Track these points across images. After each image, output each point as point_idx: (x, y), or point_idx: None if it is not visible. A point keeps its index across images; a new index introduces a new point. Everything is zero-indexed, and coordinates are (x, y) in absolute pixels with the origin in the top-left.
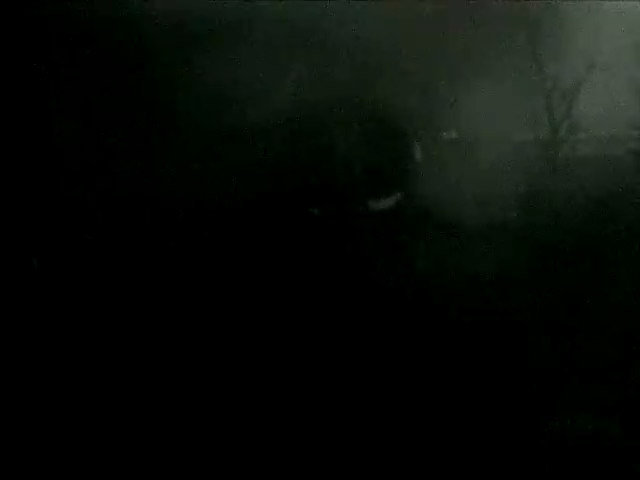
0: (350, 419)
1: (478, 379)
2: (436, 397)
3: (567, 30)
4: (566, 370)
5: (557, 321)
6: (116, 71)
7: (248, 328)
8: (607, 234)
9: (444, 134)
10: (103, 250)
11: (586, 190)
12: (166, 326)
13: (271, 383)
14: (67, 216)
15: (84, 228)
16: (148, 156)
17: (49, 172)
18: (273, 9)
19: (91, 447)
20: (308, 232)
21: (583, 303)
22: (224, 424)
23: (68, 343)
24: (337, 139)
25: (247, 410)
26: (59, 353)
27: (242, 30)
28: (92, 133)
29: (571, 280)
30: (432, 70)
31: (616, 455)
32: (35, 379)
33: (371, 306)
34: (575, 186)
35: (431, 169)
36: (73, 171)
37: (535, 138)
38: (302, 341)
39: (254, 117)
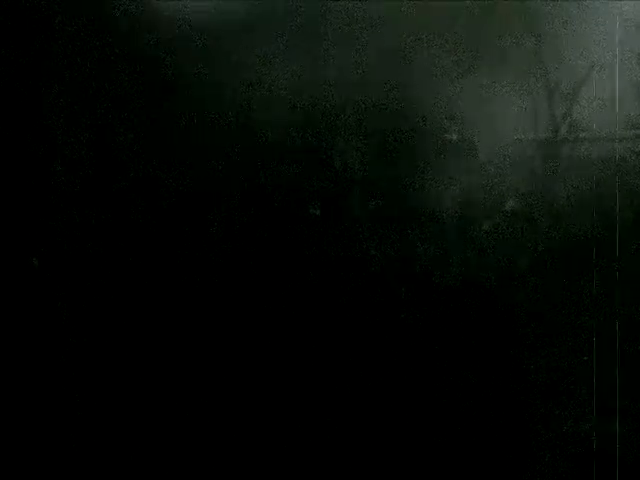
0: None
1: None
2: (438, 396)
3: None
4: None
5: (558, 322)
6: None
7: (256, 329)
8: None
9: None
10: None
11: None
12: (166, 325)
13: (274, 385)
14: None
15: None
16: (159, 152)
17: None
18: None
19: (91, 447)
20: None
21: (587, 304)
22: (225, 425)
23: (69, 343)
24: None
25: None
26: (61, 354)
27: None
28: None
29: (571, 281)
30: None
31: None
32: (35, 379)
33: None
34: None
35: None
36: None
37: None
38: (306, 344)
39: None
